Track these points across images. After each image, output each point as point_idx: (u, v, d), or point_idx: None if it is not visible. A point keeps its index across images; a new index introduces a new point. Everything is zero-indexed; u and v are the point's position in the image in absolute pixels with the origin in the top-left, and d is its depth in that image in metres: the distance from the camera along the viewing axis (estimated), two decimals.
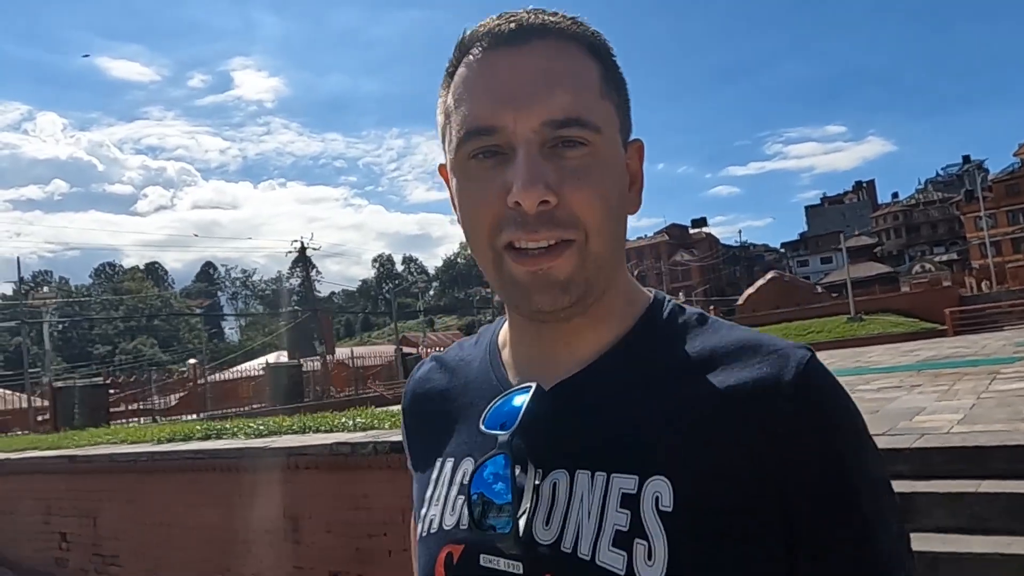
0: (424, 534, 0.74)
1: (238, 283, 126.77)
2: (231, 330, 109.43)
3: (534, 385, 0.69)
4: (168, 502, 5.06)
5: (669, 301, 0.76)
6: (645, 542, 0.61)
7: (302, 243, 36.45)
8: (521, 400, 0.68)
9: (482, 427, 0.69)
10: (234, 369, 30.87)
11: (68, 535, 5.64)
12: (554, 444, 0.67)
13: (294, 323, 32.30)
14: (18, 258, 33.10)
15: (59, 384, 18.72)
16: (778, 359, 0.65)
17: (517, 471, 0.65)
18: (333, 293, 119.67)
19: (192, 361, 38.93)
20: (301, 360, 26.74)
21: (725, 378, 0.66)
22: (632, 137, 0.74)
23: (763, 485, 0.62)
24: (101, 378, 23.46)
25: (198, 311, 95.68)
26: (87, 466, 5.70)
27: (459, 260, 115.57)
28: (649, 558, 0.60)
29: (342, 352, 32.53)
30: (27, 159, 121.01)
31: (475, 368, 0.80)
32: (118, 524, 5.37)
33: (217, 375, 30.90)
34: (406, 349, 35.02)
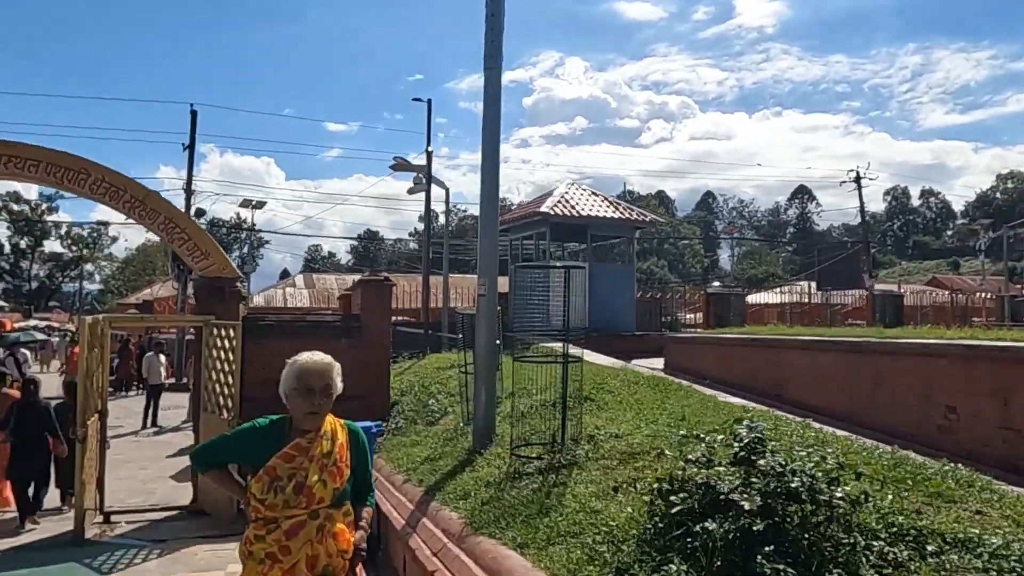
0: None
1: (734, 213, 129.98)
2: (726, 258, 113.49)
3: None
4: None
5: None
6: None
7: (857, 173, 35.31)
8: None
9: None
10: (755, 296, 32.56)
11: (956, 408, 7.07)
12: None
13: (842, 255, 31.69)
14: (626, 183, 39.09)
15: None
16: None
17: None
18: (832, 227, 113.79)
19: (716, 283, 42.55)
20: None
21: None
22: None
23: None
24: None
25: (733, 236, 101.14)
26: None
27: (996, 195, 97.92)
28: None
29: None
30: (558, 100, 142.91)
31: None
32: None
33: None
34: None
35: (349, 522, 3.00)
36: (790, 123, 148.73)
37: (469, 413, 8.63)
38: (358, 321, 9.85)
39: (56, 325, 51.85)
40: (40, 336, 24.98)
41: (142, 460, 12.57)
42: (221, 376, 8.66)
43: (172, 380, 21.57)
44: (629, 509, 3.82)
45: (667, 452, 4.65)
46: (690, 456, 3.60)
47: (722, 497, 3.09)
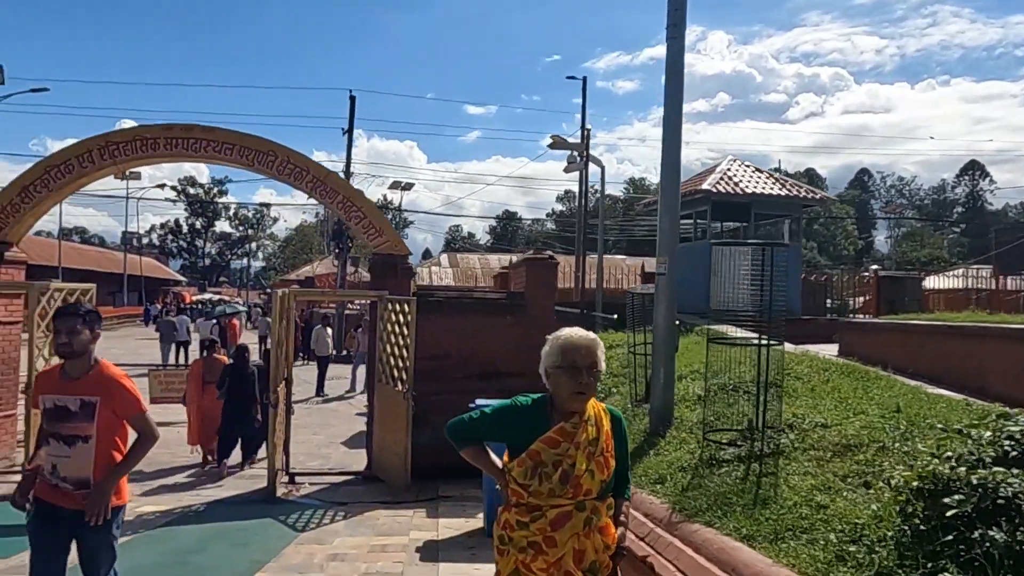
0: None
1: (892, 191, 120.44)
2: (883, 240, 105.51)
3: None
4: None
5: None
6: None
7: None
8: None
9: None
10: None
11: None
12: None
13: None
14: (780, 161, 37.15)
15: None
16: None
17: None
18: (1008, 206, 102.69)
19: (874, 267, 39.39)
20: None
21: None
22: None
23: None
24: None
25: (896, 216, 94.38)
26: None
27: None
28: None
29: None
30: (698, 76, 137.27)
31: None
32: None
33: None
34: None
35: (611, 516, 2.81)
36: (960, 92, 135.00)
37: (636, 394, 8.43)
38: (523, 299, 9.87)
39: (227, 298, 56.60)
40: (241, 307, 27.19)
41: (314, 426, 13.37)
42: (396, 349, 8.95)
43: (334, 352, 22.77)
44: (874, 507, 3.48)
45: (890, 446, 4.22)
46: (948, 453, 3.20)
47: (1006, 501, 2.71)
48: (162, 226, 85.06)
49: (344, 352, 22.97)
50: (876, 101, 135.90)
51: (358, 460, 10.60)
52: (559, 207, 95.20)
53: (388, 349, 9.11)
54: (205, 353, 12.31)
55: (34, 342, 8.10)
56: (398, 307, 8.95)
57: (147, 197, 61.01)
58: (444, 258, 48.72)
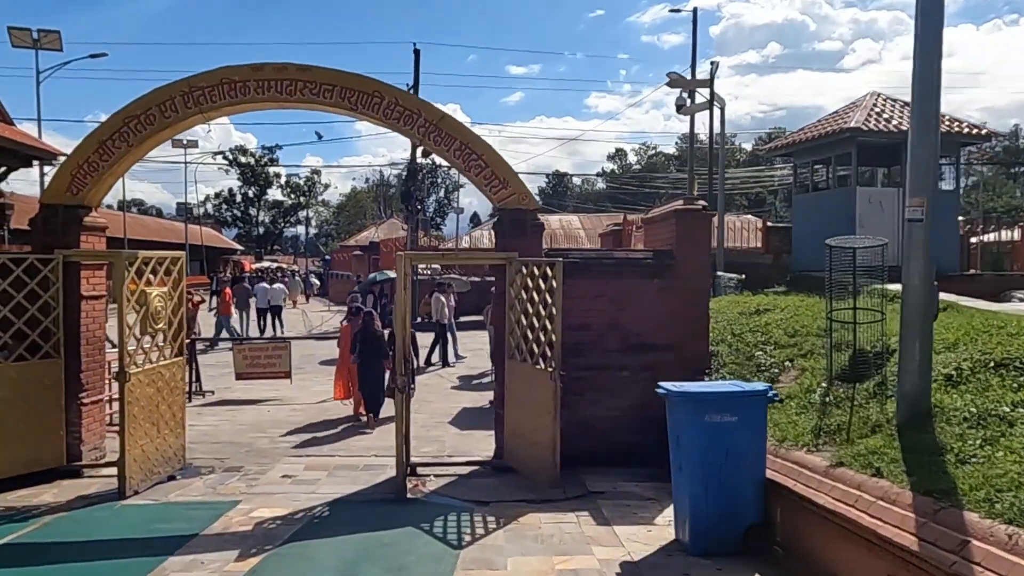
0: None
1: None
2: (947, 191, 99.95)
3: None
4: None
5: None
6: None
7: None
8: None
9: None
10: None
11: None
12: None
13: None
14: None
15: None
16: None
17: None
18: None
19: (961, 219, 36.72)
20: None
21: None
22: None
23: None
24: None
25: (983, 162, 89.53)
26: None
27: None
28: None
29: None
30: (748, 26, 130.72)
31: None
32: None
33: None
34: None
35: None
36: None
37: (833, 370, 6.91)
38: (671, 258, 8.38)
39: (284, 266, 56.39)
40: (393, 275, 25.51)
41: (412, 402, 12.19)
42: (535, 320, 7.59)
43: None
44: None
45: None
46: None
47: None
48: (216, 195, 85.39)
49: (419, 319, 21.85)
50: None
51: (473, 444, 9.40)
52: (610, 166, 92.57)
53: (524, 321, 7.76)
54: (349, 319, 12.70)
55: (124, 319, 6.97)
56: (537, 271, 7.56)
57: (204, 161, 60.62)
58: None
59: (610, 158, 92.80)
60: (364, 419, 10.68)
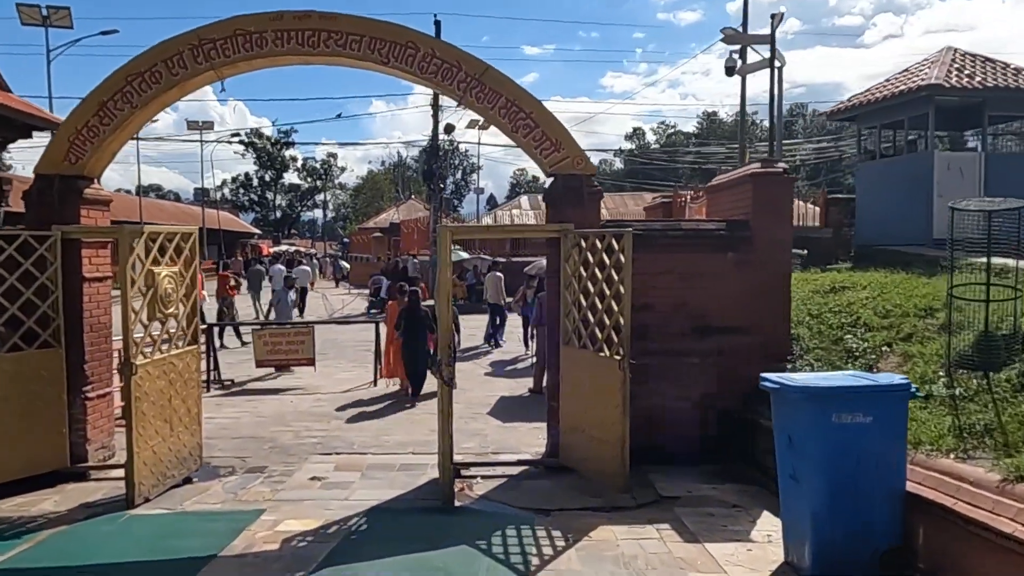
0: None
1: None
2: None
3: None
4: None
5: None
6: None
7: None
8: None
9: None
10: None
11: None
12: None
13: None
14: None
15: None
16: None
17: None
18: None
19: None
20: None
21: None
22: None
23: None
24: None
25: None
26: None
27: None
28: None
29: None
30: (766, 2, 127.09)
31: None
32: None
33: None
34: None
35: None
36: None
37: (954, 355, 5.86)
38: (746, 229, 7.35)
39: (302, 249, 55.74)
40: (464, 254, 23.79)
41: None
42: (597, 301, 6.61)
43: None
44: None
45: None
46: None
47: None
48: (233, 180, 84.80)
49: (459, 302, 21.05)
50: (961, 18, 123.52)
51: (519, 439, 8.49)
52: (628, 145, 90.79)
53: (583, 301, 6.78)
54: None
55: (128, 303, 6.06)
56: (599, 243, 6.56)
57: (222, 139, 59.59)
58: (525, 200, 46.11)
59: (627, 138, 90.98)
60: (408, 392, 10.97)
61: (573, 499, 6.36)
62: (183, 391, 6.88)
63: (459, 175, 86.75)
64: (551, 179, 7.34)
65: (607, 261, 6.46)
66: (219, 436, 8.55)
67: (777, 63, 13.01)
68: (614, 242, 6.38)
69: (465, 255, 22.20)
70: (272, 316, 18.74)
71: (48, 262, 6.82)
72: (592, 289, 6.67)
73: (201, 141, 45.83)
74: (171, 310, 6.65)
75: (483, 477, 7.06)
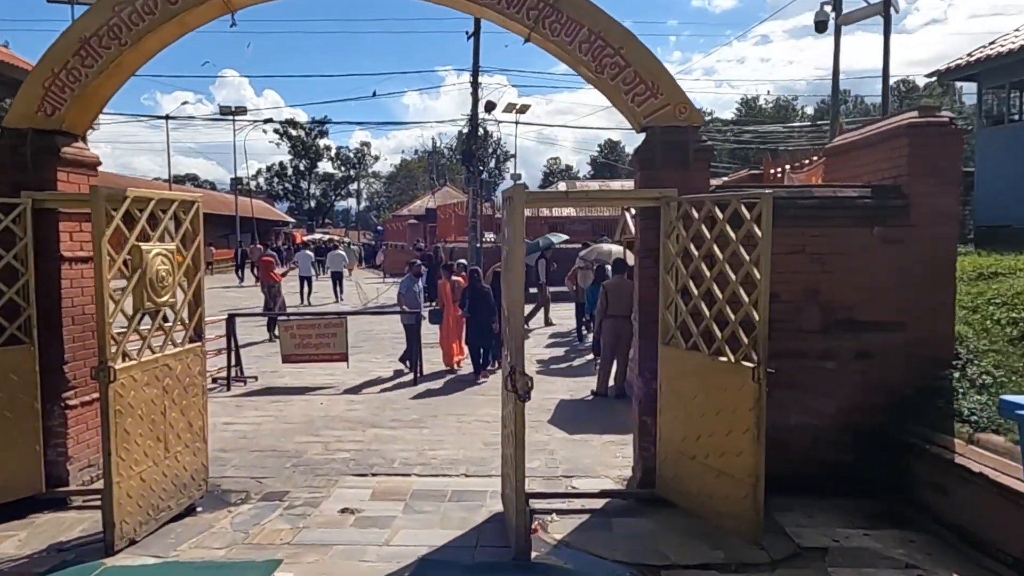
0: None
1: None
2: None
3: None
4: None
5: None
6: None
7: None
8: None
9: None
10: None
11: None
12: None
13: None
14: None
15: None
16: None
17: None
18: None
19: None
20: None
21: None
22: None
23: None
24: None
25: None
26: None
27: None
28: None
29: None
30: None
31: None
32: None
33: None
34: None
35: None
36: None
37: None
38: (900, 196, 5.69)
39: (335, 238, 54.76)
40: (555, 240, 20.79)
41: (492, 390, 9.77)
42: (715, 288, 5.01)
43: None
44: None
45: None
46: None
47: None
48: (268, 169, 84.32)
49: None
50: (1009, 1, 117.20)
51: (594, 457, 6.97)
52: None
53: (693, 289, 5.19)
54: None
55: (104, 287, 4.63)
56: (720, 214, 4.95)
57: (255, 121, 58.73)
58: (561, 186, 44.45)
59: None
60: (458, 369, 11.20)
61: (683, 549, 4.81)
62: (182, 400, 5.45)
63: (492, 164, 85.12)
64: (644, 133, 5.74)
65: (733, 236, 4.85)
66: (235, 448, 7.18)
67: (893, 10, 11.13)
68: (744, 211, 4.76)
69: (556, 240, 17.76)
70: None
71: (17, 237, 5.44)
72: (708, 273, 5.07)
73: (234, 126, 44.93)
74: (165, 298, 5.21)
75: (559, 513, 5.54)
